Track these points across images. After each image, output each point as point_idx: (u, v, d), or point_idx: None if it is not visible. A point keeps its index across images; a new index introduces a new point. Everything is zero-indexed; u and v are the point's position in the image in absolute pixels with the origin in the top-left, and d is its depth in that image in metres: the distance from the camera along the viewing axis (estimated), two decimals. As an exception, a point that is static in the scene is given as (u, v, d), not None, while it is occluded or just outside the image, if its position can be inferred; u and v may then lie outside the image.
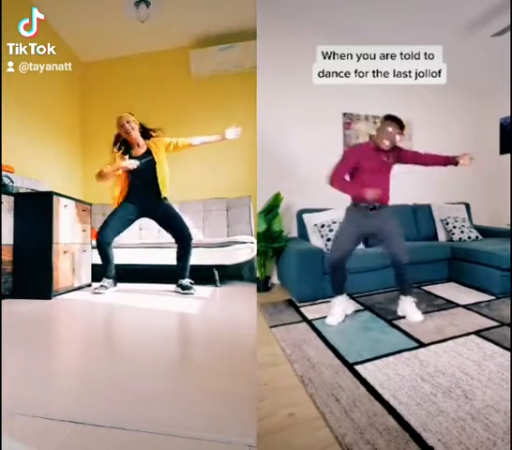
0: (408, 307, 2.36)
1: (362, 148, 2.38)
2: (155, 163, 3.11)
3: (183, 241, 3.20)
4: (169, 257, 3.32)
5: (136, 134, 3.12)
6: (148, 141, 3.20)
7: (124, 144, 3.16)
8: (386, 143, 2.25)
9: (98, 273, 3.54)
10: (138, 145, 3.15)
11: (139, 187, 3.14)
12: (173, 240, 3.30)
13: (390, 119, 2.27)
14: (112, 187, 3.19)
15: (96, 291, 3.06)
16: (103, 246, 3.13)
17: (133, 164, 3.04)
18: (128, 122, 3.08)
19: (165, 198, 3.19)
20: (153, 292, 3.20)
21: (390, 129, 2.24)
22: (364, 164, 2.28)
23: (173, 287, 3.18)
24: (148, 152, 3.15)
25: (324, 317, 2.37)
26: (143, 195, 3.14)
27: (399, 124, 2.27)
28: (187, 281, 3.15)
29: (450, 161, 2.30)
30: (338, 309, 2.36)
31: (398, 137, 2.26)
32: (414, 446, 1.15)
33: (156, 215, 3.22)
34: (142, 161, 3.09)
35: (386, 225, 2.32)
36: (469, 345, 1.92)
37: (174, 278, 3.19)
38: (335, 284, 2.42)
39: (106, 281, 3.14)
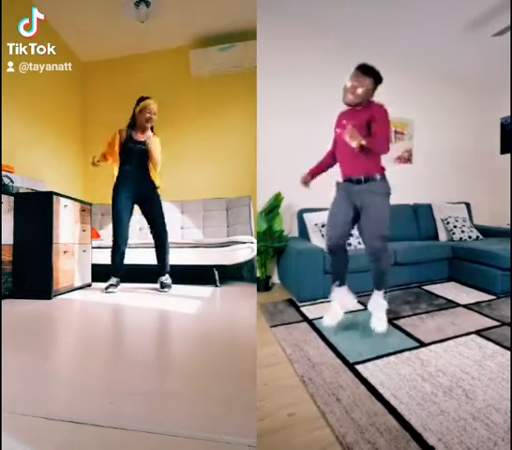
0: (375, 310, 2.11)
1: (343, 110, 2.14)
2: (147, 151, 3.19)
3: (163, 237, 3.28)
4: (170, 257, 3.33)
5: (151, 124, 3.22)
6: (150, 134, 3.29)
7: (131, 127, 3.24)
8: (350, 97, 2.01)
9: (98, 273, 3.55)
10: (142, 133, 3.23)
11: (130, 172, 3.19)
12: (173, 240, 3.30)
13: (357, 69, 2.00)
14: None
15: (107, 290, 3.12)
16: (122, 243, 3.20)
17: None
18: (154, 114, 3.20)
19: (157, 187, 3.27)
20: (153, 291, 3.20)
21: (352, 80, 2.00)
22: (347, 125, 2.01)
23: (176, 286, 3.23)
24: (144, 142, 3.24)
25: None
26: (136, 180, 3.20)
27: (369, 75, 1.98)
28: (167, 278, 3.25)
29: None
30: (335, 307, 2.23)
31: (359, 88, 1.98)
32: (414, 446, 1.14)
33: (145, 202, 3.26)
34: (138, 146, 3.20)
35: (368, 202, 2.03)
36: (470, 345, 1.91)
37: (176, 278, 3.22)
38: (335, 271, 2.22)
39: (115, 280, 3.20)
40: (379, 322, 2.08)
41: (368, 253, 2.05)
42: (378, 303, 2.15)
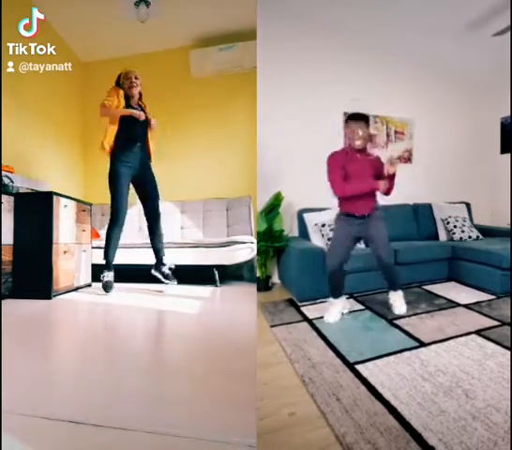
0: (397, 300, 2.49)
1: (342, 153, 2.32)
2: (148, 123, 3.07)
3: (156, 218, 3.14)
4: (170, 257, 3.31)
5: (138, 90, 3.12)
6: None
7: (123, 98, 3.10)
8: (358, 143, 2.24)
9: (99, 273, 3.54)
10: (135, 103, 3.12)
11: (129, 142, 3.06)
12: (173, 240, 3.30)
13: (352, 119, 2.25)
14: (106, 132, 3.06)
15: (105, 290, 3.02)
16: (121, 229, 3.07)
17: (142, 116, 3.01)
18: (136, 78, 3.10)
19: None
20: (153, 291, 3.20)
21: (355, 129, 2.23)
22: (348, 168, 2.26)
23: (174, 287, 3.16)
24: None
25: (325, 316, 2.38)
26: (135, 150, 3.07)
27: (363, 120, 2.23)
28: (167, 267, 3.11)
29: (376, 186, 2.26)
30: (335, 308, 2.42)
31: (363, 133, 2.22)
32: (414, 446, 1.14)
33: (140, 175, 3.12)
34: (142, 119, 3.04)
35: (374, 230, 2.35)
36: (470, 344, 1.91)
37: (176, 278, 3.19)
38: (333, 289, 2.45)
39: (110, 274, 3.09)
40: (400, 307, 2.47)
41: (384, 268, 2.43)
42: (397, 295, 2.52)
